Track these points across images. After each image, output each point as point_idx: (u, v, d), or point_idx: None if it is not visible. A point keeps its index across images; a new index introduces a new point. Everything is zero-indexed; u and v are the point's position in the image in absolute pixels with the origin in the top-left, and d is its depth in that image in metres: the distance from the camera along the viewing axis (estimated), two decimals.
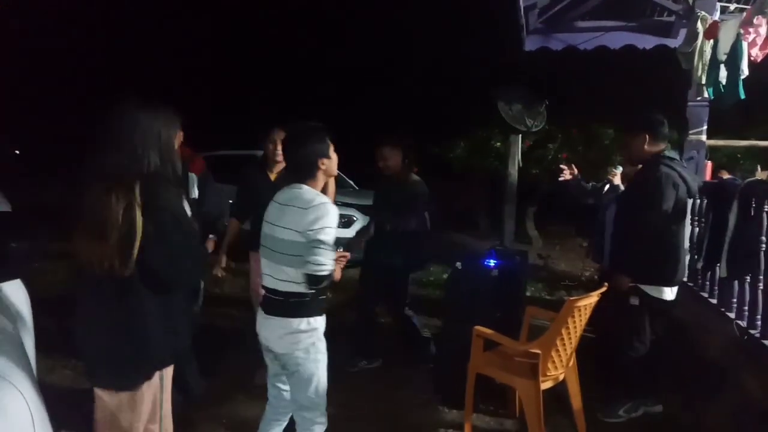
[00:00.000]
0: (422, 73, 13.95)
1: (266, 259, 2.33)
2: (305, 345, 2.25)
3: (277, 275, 2.26)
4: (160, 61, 16.51)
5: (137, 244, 1.88)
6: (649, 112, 3.42)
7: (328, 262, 2.18)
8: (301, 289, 2.24)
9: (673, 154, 3.37)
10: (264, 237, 2.35)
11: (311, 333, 2.26)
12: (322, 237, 2.17)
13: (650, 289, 3.19)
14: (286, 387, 2.43)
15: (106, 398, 2.05)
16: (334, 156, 2.40)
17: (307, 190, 2.28)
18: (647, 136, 3.23)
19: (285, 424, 2.52)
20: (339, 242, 2.32)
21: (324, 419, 2.38)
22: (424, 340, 4.13)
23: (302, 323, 2.24)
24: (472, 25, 12.28)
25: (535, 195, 9.93)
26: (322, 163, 2.32)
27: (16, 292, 2.43)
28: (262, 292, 2.38)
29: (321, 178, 2.36)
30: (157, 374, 2.08)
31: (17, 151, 19.55)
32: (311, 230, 2.17)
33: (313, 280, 2.19)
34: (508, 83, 6.32)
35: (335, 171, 2.45)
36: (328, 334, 2.35)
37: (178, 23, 16.17)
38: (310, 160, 2.30)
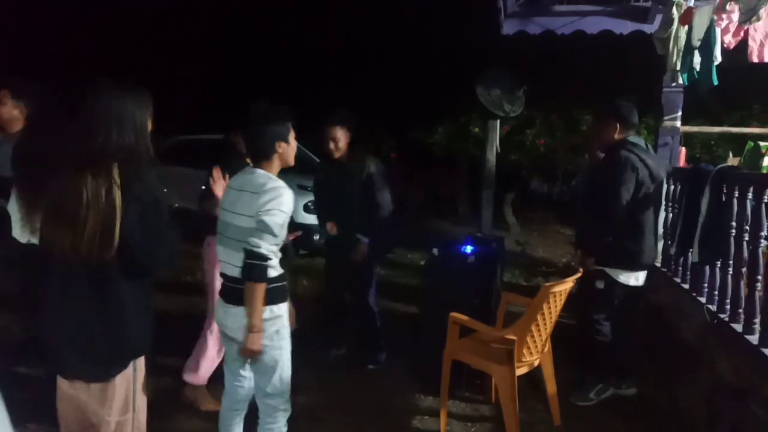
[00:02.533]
0: (400, 57, 13.83)
1: (223, 247, 2.29)
2: (269, 333, 2.21)
3: (235, 262, 2.20)
4: (139, 45, 16.11)
5: (118, 227, 1.83)
6: (619, 100, 3.46)
7: (264, 246, 2.11)
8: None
9: (636, 139, 3.44)
10: (221, 224, 2.31)
11: (274, 321, 2.23)
12: (266, 218, 2.12)
13: (614, 273, 3.27)
14: (245, 374, 2.40)
15: (72, 390, 1.98)
16: (293, 143, 2.34)
17: (260, 174, 2.24)
18: (618, 125, 3.30)
19: (244, 412, 2.49)
20: (312, 228, 2.26)
21: (288, 406, 2.35)
22: (378, 345, 3.94)
23: (265, 311, 2.19)
24: (451, 9, 12.18)
25: (514, 181, 9.97)
26: (279, 146, 2.26)
27: None
28: (220, 280, 2.33)
29: (277, 162, 2.30)
30: (131, 364, 2.03)
31: None
32: (259, 212, 2.12)
33: (247, 255, 2.11)
34: (487, 68, 6.27)
35: (292, 160, 2.37)
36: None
37: (160, 7, 15.77)
38: (266, 142, 2.25)
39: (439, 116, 9.91)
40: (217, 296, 2.45)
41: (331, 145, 3.67)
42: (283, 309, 2.27)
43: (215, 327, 3.01)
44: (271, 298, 2.22)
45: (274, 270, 2.22)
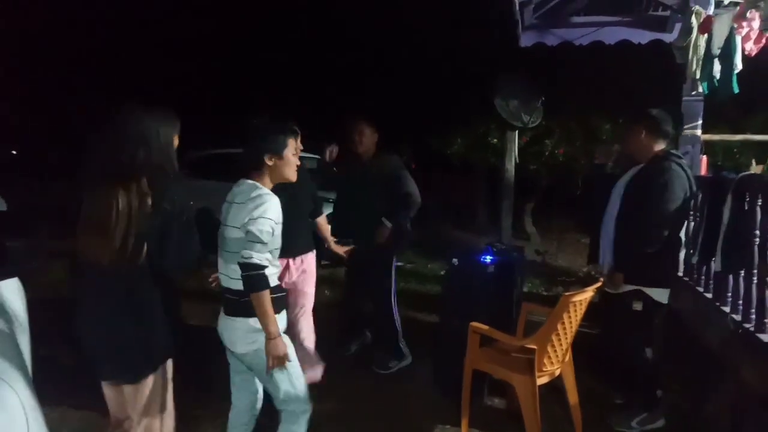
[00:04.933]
0: (419, 69, 13.93)
1: (220, 259, 2.32)
2: (261, 344, 2.20)
3: (231, 274, 2.24)
4: (158, 60, 16.47)
5: (148, 238, 1.97)
6: (650, 107, 3.34)
7: (256, 255, 2.12)
8: None
9: (679, 153, 3.30)
10: (219, 238, 2.34)
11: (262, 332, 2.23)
12: (252, 228, 2.13)
13: (651, 292, 3.10)
14: (250, 388, 2.44)
15: (107, 391, 2.12)
16: (291, 158, 2.31)
17: (249, 185, 2.26)
18: (643, 130, 3.21)
19: (252, 426, 2.51)
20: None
21: (307, 406, 2.37)
22: (391, 352, 3.93)
23: (256, 323, 2.20)
24: (469, 21, 12.26)
25: (533, 191, 9.93)
26: (270, 159, 2.26)
27: (12, 291, 2.42)
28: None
29: (268, 176, 2.29)
30: (159, 368, 2.13)
31: (14, 152, 19.52)
32: (246, 223, 2.14)
33: (242, 267, 2.12)
34: (505, 79, 6.31)
35: (289, 175, 2.34)
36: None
37: (176, 21, 16.13)
38: (255, 154, 2.26)
39: (458, 127, 9.95)
40: None
41: (356, 138, 3.78)
42: (279, 319, 2.27)
43: None
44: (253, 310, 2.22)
45: (270, 279, 2.22)
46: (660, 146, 3.21)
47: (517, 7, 5.64)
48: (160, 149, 2.07)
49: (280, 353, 2.19)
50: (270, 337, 2.16)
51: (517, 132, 6.60)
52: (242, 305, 2.22)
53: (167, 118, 2.17)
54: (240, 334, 2.24)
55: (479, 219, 11.28)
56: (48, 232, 5.35)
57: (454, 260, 3.72)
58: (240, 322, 2.24)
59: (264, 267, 2.14)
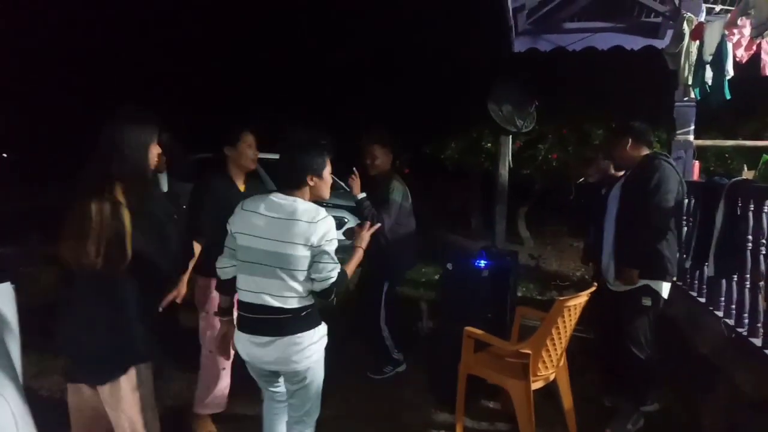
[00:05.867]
0: (412, 73, 13.97)
1: (253, 275, 2.17)
2: (318, 356, 2.24)
3: (281, 292, 2.14)
4: (155, 63, 16.43)
5: (128, 243, 1.97)
6: (636, 117, 3.49)
7: (333, 273, 2.15)
8: (306, 302, 2.20)
9: (665, 153, 3.43)
10: (249, 252, 2.17)
11: (321, 341, 2.26)
12: (329, 248, 2.14)
13: (656, 285, 3.14)
14: (281, 389, 2.43)
15: (80, 392, 2.11)
16: (327, 178, 2.28)
17: (303, 203, 2.19)
18: (630, 139, 3.30)
19: (286, 416, 2.49)
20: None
21: (317, 412, 2.41)
22: (385, 357, 3.93)
23: (314, 335, 2.21)
24: (462, 27, 12.32)
25: (527, 195, 9.96)
26: (311, 180, 2.21)
27: (3, 296, 2.41)
28: (236, 313, 2.30)
29: (307, 194, 2.24)
30: (133, 369, 2.12)
31: (5, 155, 19.39)
32: (321, 243, 2.12)
33: (325, 294, 2.16)
34: (498, 84, 6.33)
35: (326, 194, 2.31)
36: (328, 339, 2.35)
37: (173, 24, 16.12)
38: (297, 173, 2.20)
39: (452, 131, 9.97)
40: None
41: (368, 161, 3.74)
42: (324, 328, 2.28)
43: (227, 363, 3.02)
44: (311, 323, 2.22)
45: (305, 300, 2.21)
46: (644, 152, 3.31)
47: (511, 13, 5.68)
48: (132, 156, 2.07)
49: (367, 234, 2.46)
50: (362, 254, 2.43)
51: (510, 137, 6.62)
52: (293, 322, 2.18)
53: (146, 122, 2.17)
54: (293, 352, 2.18)
55: (473, 223, 11.30)
56: (40, 238, 5.31)
57: (449, 265, 3.72)
58: (292, 339, 2.18)
59: (339, 275, 2.18)
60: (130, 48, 16.51)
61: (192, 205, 3.02)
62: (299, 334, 2.17)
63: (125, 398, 2.09)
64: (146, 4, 15.75)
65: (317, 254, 2.12)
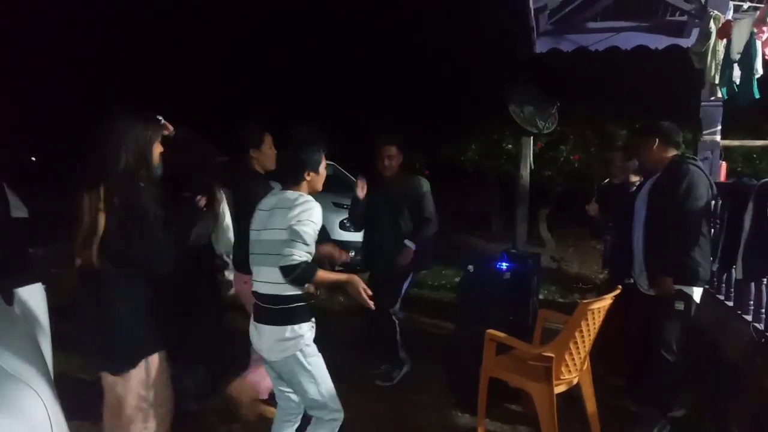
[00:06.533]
0: (434, 75, 13.96)
1: (255, 265, 2.36)
2: (291, 352, 2.27)
3: (265, 278, 2.30)
4: (177, 67, 16.69)
5: (98, 239, 2.05)
6: (660, 117, 3.40)
7: (299, 253, 2.17)
8: (285, 291, 2.25)
9: (693, 155, 3.35)
10: (252, 244, 2.38)
11: (296, 341, 2.27)
12: (298, 228, 2.19)
13: (689, 290, 3.08)
14: (290, 389, 2.46)
15: (108, 380, 2.24)
16: (322, 172, 2.42)
17: (290, 192, 2.33)
18: (657, 140, 3.23)
19: (297, 424, 2.54)
20: (348, 246, 2.32)
21: (338, 414, 2.40)
22: (394, 361, 3.95)
23: (286, 331, 2.25)
24: (483, 27, 12.27)
25: (548, 197, 9.87)
26: (308, 175, 2.35)
27: (34, 296, 2.48)
28: (253, 300, 2.40)
29: (305, 188, 2.38)
30: (143, 362, 2.22)
31: (33, 158, 19.87)
32: (291, 223, 2.20)
33: (285, 271, 2.18)
34: (519, 85, 6.29)
35: (320, 187, 2.45)
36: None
37: (185, 26, 16.36)
38: (296, 170, 2.35)
39: (472, 133, 9.94)
40: None
41: (386, 162, 3.79)
42: (305, 328, 2.30)
43: None
44: (293, 318, 2.27)
45: (298, 289, 2.27)
46: (671, 154, 3.23)
47: (532, 14, 5.64)
48: (135, 153, 2.13)
49: (360, 287, 2.31)
50: (345, 282, 2.32)
51: (531, 138, 6.57)
52: (273, 313, 2.28)
53: (147, 122, 2.24)
54: (271, 342, 2.28)
55: (494, 226, 11.24)
56: (69, 238, 5.40)
57: (470, 267, 3.70)
58: (271, 330, 2.27)
59: (305, 261, 2.20)
60: (150, 51, 16.80)
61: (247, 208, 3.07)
62: (275, 327, 2.27)
63: (135, 387, 2.20)
64: (161, 7, 15.95)
65: (289, 233, 2.19)
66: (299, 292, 2.28)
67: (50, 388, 1.58)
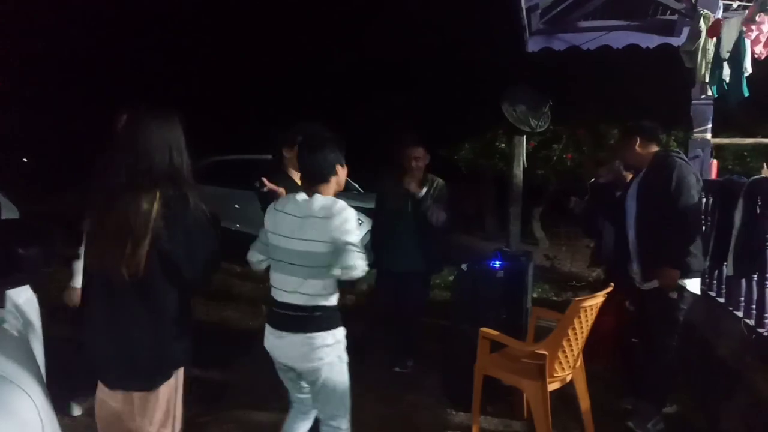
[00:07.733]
0: (426, 75, 13.97)
1: (281, 273, 2.27)
2: (331, 359, 2.24)
3: (301, 289, 2.21)
4: (171, 67, 16.61)
5: (166, 246, 1.93)
6: (652, 116, 3.49)
7: (360, 264, 2.14)
8: (327, 302, 2.23)
9: (678, 150, 3.41)
10: (277, 251, 2.27)
11: (336, 346, 2.26)
12: (350, 239, 2.15)
13: (691, 284, 3.10)
14: (307, 395, 2.43)
15: (114, 402, 2.06)
16: (345, 167, 2.38)
17: (321, 198, 2.25)
18: (638, 138, 3.27)
19: (311, 422, 2.52)
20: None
21: (347, 426, 2.40)
22: (409, 351, 4.11)
23: (328, 337, 2.23)
24: (475, 27, 12.29)
25: (542, 196, 9.91)
26: (337, 169, 2.31)
27: (26, 297, 2.46)
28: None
29: (333, 185, 2.32)
30: (173, 375, 2.10)
31: (24, 159, 19.74)
32: (338, 236, 2.15)
33: (349, 281, 2.18)
34: (512, 84, 6.30)
35: (344, 183, 2.42)
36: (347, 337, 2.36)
37: (186, 25, 16.28)
38: (327, 165, 2.28)
39: (466, 132, 9.95)
40: None
41: (413, 164, 3.86)
42: (342, 333, 2.29)
43: None
44: (333, 323, 2.25)
45: (333, 298, 2.26)
46: (654, 150, 3.28)
47: (524, 13, 5.65)
48: (174, 155, 2.04)
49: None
50: None
51: (524, 137, 6.58)
52: (310, 320, 2.23)
53: (175, 121, 2.13)
54: (306, 350, 2.23)
55: (487, 224, 11.26)
56: (61, 240, 5.37)
57: (463, 265, 3.71)
58: (306, 337, 2.22)
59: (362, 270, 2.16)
60: (142, 50, 16.72)
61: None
62: (312, 334, 2.21)
63: (159, 406, 2.07)
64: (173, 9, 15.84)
65: (338, 246, 2.14)
66: (334, 303, 2.26)
67: (42, 390, 1.56)
